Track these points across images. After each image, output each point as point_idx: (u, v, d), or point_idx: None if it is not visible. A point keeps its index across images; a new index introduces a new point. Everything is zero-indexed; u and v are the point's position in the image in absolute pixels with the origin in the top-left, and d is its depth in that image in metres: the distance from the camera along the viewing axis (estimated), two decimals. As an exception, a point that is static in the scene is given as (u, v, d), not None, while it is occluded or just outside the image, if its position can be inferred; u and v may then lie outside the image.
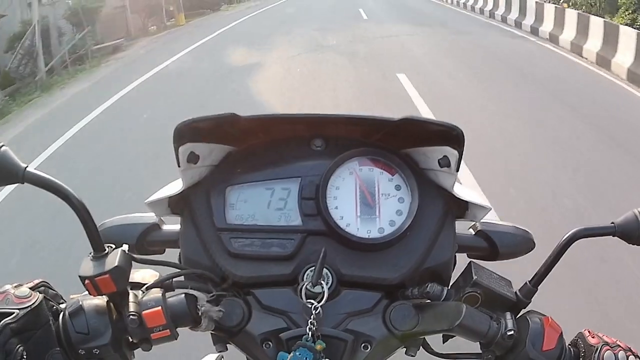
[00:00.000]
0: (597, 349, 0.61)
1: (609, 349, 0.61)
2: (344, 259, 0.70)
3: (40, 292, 0.61)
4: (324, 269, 0.68)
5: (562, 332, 0.64)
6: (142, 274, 0.70)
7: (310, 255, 0.69)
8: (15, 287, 0.60)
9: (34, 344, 0.57)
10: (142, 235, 0.80)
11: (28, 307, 0.57)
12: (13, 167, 0.61)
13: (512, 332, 0.62)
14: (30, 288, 0.61)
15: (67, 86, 10.14)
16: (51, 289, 0.65)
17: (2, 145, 0.62)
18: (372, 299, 0.69)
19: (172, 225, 0.81)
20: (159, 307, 0.62)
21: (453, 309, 0.65)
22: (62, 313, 0.61)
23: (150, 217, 0.81)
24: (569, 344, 0.65)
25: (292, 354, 0.64)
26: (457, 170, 0.70)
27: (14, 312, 0.56)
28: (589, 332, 0.64)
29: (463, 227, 0.82)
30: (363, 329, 0.67)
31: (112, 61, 12.31)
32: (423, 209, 0.71)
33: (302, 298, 0.66)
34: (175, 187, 0.74)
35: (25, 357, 0.55)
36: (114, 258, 0.61)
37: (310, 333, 0.64)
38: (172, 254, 0.79)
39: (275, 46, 11.63)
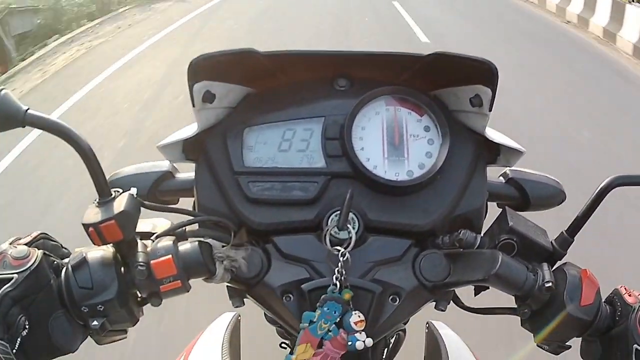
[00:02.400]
0: (634, 309, 0.58)
1: None
2: (371, 203, 0.66)
3: (38, 248, 0.56)
4: (351, 213, 0.63)
5: (599, 287, 0.60)
6: (153, 223, 0.65)
7: (335, 199, 0.65)
8: (12, 243, 0.55)
9: (35, 310, 0.53)
10: (154, 184, 0.75)
11: (27, 269, 0.53)
12: (14, 110, 0.56)
13: (550, 284, 0.59)
14: (27, 244, 0.56)
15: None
16: (52, 240, 0.61)
17: (2, 89, 0.57)
18: (401, 247, 0.65)
19: (187, 173, 0.76)
20: (170, 256, 0.57)
21: (488, 258, 0.61)
22: (64, 268, 0.56)
23: (163, 164, 0.77)
24: (605, 301, 0.61)
25: (319, 312, 0.59)
26: (490, 110, 0.66)
27: (12, 277, 0.52)
28: (625, 289, 0.61)
29: (493, 175, 0.77)
30: (392, 279, 0.63)
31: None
32: (454, 152, 0.67)
33: (326, 244, 0.61)
34: (190, 130, 0.70)
35: (27, 326, 0.51)
36: (121, 203, 0.56)
37: (338, 283, 0.60)
38: (186, 205, 0.74)
39: None
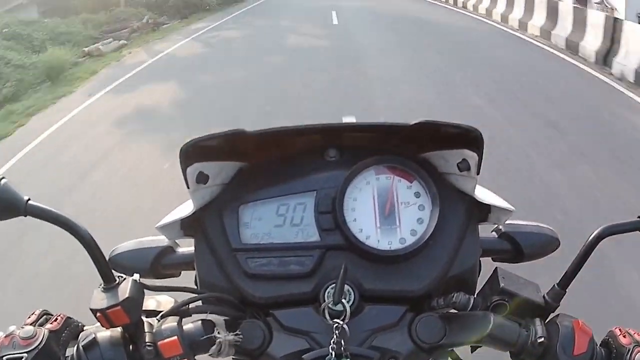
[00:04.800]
0: (629, 350, 0.59)
1: None
2: (366, 273, 0.67)
3: (42, 326, 0.59)
4: (346, 286, 0.65)
5: (592, 335, 0.62)
6: (157, 300, 0.68)
7: (331, 271, 0.67)
8: (19, 327, 0.58)
9: None
10: (156, 259, 0.77)
11: (35, 347, 0.55)
12: (14, 200, 0.60)
13: (542, 339, 0.61)
14: (32, 324, 0.59)
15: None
16: (50, 314, 0.63)
17: (2, 178, 0.60)
18: (397, 313, 0.66)
19: (187, 247, 0.78)
20: (175, 337, 0.60)
21: (481, 319, 0.64)
22: (75, 347, 0.59)
23: (162, 240, 0.79)
24: (600, 345, 0.63)
25: None
26: (477, 174, 0.68)
27: (22, 357, 0.54)
28: (619, 330, 0.63)
29: (485, 230, 0.79)
30: (389, 345, 0.64)
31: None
32: (444, 215, 0.68)
33: (325, 317, 0.63)
34: (187, 208, 0.72)
35: None
36: (125, 289, 0.59)
37: (333, 353, 0.61)
38: (188, 278, 0.77)
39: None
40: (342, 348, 0.62)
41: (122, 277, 0.61)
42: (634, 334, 0.61)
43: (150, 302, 0.67)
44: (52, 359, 0.56)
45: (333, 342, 0.62)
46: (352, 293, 0.66)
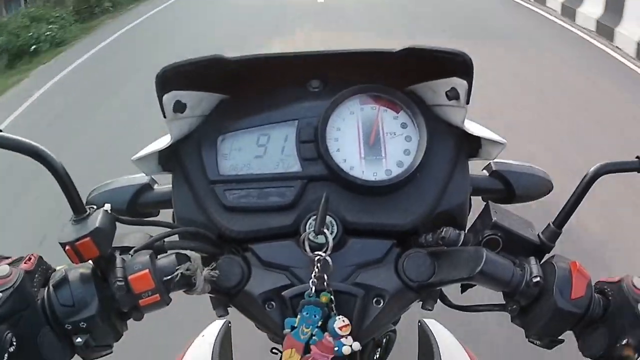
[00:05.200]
0: (622, 280, 0.58)
1: (635, 276, 0.58)
2: (350, 205, 0.64)
3: (18, 266, 0.56)
4: (328, 217, 0.62)
5: (590, 279, 0.59)
6: (133, 237, 0.65)
7: (313, 203, 0.64)
8: None
9: (23, 327, 0.52)
10: (133, 198, 0.75)
11: (10, 287, 0.52)
12: None
13: (538, 279, 0.58)
14: (10, 264, 0.56)
15: None
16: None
17: None
18: (383, 248, 0.63)
19: (165, 185, 0.76)
20: (147, 270, 0.57)
21: (472, 255, 0.60)
22: (46, 286, 0.56)
23: (141, 177, 0.76)
24: (595, 292, 0.60)
25: (299, 317, 0.58)
26: (467, 103, 0.64)
27: None
28: (606, 277, 0.61)
29: (476, 169, 0.76)
30: (374, 282, 0.61)
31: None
32: (433, 148, 0.66)
33: (305, 250, 0.60)
34: (164, 141, 0.69)
35: (15, 342, 0.51)
36: (95, 219, 0.56)
37: (313, 287, 0.59)
38: (166, 217, 0.73)
39: None
40: (325, 283, 0.59)
41: (93, 208, 0.58)
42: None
43: (126, 239, 0.64)
44: (26, 299, 0.53)
45: (314, 276, 0.59)
46: (335, 225, 0.63)
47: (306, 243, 0.61)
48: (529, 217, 0.66)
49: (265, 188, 0.65)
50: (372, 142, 0.66)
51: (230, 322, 0.96)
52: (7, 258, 0.58)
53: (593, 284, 0.61)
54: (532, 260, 0.60)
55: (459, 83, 0.64)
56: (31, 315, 0.53)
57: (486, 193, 0.77)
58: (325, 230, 0.60)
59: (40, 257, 0.59)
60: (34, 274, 0.56)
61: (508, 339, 1.83)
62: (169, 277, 0.58)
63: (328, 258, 0.59)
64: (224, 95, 0.70)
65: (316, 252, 0.60)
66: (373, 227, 0.64)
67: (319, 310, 0.58)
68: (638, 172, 0.62)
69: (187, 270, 0.59)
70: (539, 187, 0.79)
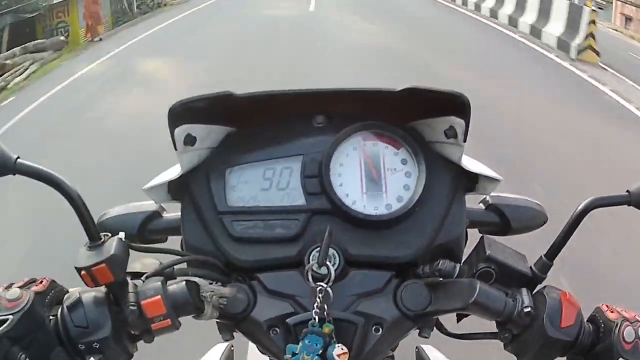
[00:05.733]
0: (616, 324, 0.60)
1: (629, 325, 0.59)
2: (351, 238, 0.67)
3: (28, 289, 0.58)
4: (331, 249, 0.65)
5: (580, 308, 0.62)
6: (143, 263, 0.67)
7: (316, 235, 0.67)
8: (5, 289, 0.58)
9: (36, 349, 0.55)
10: (143, 224, 0.77)
11: (21, 309, 0.55)
12: (3, 158, 0.60)
13: (529, 309, 0.61)
14: (20, 287, 0.59)
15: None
16: (35, 279, 0.62)
17: None
18: (382, 279, 0.66)
19: (174, 212, 0.78)
20: (159, 296, 0.60)
21: (466, 287, 0.63)
22: (60, 308, 0.59)
23: (150, 205, 0.79)
24: (587, 320, 0.63)
25: (300, 344, 0.61)
26: (465, 141, 0.67)
27: (7, 319, 0.54)
28: (607, 306, 0.63)
29: (473, 202, 0.79)
30: (374, 311, 0.64)
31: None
32: (431, 183, 0.68)
33: (308, 280, 0.63)
34: (174, 171, 0.71)
35: None
36: (110, 246, 0.60)
37: (316, 317, 0.61)
38: (174, 244, 0.76)
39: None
40: (325, 313, 0.62)
41: (107, 235, 0.61)
42: (621, 310, 0.61)
43: (137, 264, 0.67)
44: (37, 321, 0.56)
45: (316, 305, 0.62)
46: (337, 257, 0.66)
47: (309, 274, 0.63)
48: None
49: (271, 220, 0.68)
50: (374, 177, 0.69)
51: (232, 345, 0.98)
52: (19, 282, 0.60)
53: (592, 309, 0.63)
54: (524, 291, 0.63)
55: (457, 122, 0.67)
56: (43, 336, 0.56)
57: (483, 226, 0.80)
58: (328, 263, 0.63)
59: (53, 281, 0.62)
60: (46, 296, 0.59)
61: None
62: (180, 303, 0.61)
63: (329, 289, 0.62)
64: (231, 127, 0.73)
65: (318, 283, 0.62)
66: (374, 259, 0.67)
67: (320, 339, 0.61)
68: (628, 205, 0.65)
69: (197, 296, 0.62)
70: (534, 220, 0.81)
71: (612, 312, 0.61)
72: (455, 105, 0.66)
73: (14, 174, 0.60)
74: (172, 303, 0.60)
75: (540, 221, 0.82)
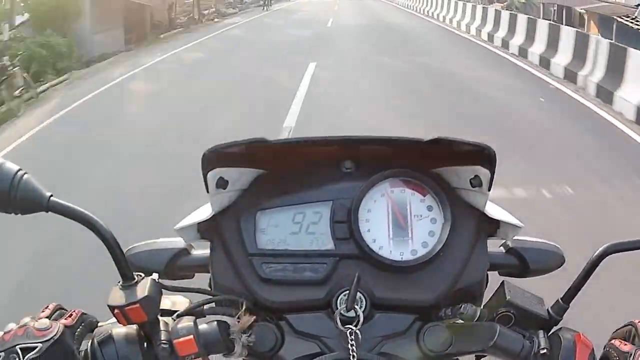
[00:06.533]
0: (631, 354, 0.61)
1: None
2: (377, 282, 0.69)
3: (57, 320, 0.60)
4: (358, 293, 0.67)
5: (593, 349, 0.64)
6: (173, 301, 0.69)
7: (343, 279, 0.69)
8: (33, 319, 0.59)
9: None
10: (171, 261, 0.79)
11: (51, 338, 0.56)
12: (37, 195, 0.61)
13: (544, 351, 0.63)
14: (48, 317, 0.60)
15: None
16: (64, 309, 0.64)
17: (25, 173, 0.61)
18: (406, 322, 0.68)
19: (202, 249, 0.80)
20: (191, 336, 0.61)
21: (487, 330, 0.66)
22: (90, 342, 0.61)
23: (178, 241, 0.80)
24: (601, 358, 0.65)
25: None
26: (489, 190, 0.70)
27: (37, 347, 0.55)
28: (619, 341, 0.64)
29: (493, 245, 0.81)
30: (398, 352, 0.66)
31: None
32: (455, 229, 0.70)
33: (337, 323, 0.65)
34: (205, 212, 0.73)
35: None
36: (144, 287, 0.61)
37: (351, 357, 0.63)
38: (201, 280, 0.78)
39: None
40: (354, 354, 0.63)
41: (140, 275, 0.63)
42: (634, 344, 0.63)
43: (166, 302, 0.69)
44: (66, 352, 0.57)
45: (351, 346, 0.63)
46: (364, 300, 0.68)
47: (338, 317, 0.65)
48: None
49: (300, 263, 0.70)
50: (401, 223, 0.71)
51: None
52: (45, 310, 0.62)
53: (605, 342, 0.65)
54: (541, 333, 0.66)
55: (482, 172, 0.69)
56: None
57: (503, 269, 0.82)
58: (356, 306, 0.65)
59: (83, 313, 0.63)
60: (75, 329, 0.60)
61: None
62: (211, 342, 0.63)
63: (358, 332, 0.64)
64: (262, 170, 0.75)
65: (347, 326, 0.64)
66: (398, 302, 0.69)
67: None
68: None
69: (227, 336, 0.64)
70: (552, 262, 0.82)
71: (625, 345, 0.63)
72: (481, 155, 0.68)
73: (47, 212, 0.62)
74: (204, 342, 0.62)
75: (558, 263, 0.83)
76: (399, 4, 32.51)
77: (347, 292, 0.66)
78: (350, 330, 0.64)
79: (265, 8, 28.94)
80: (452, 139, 0.69)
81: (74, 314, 0.62)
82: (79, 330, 0.61)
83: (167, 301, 0.69)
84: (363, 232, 0.70)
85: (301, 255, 0.70)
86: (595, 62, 9.18)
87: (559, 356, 0.62)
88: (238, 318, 0.67)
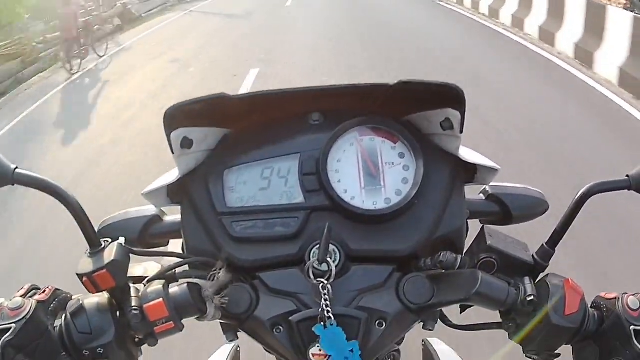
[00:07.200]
0: (619, 298, 0.60)
1: (631, 295, 0.60)
2: (351, 234, 0.67)
3: (32, 297, 0.59)
4: (331, 246, 0.65)
5: (583, 294, 0.62)
6: (144, 267, 0.68)
7: (316, 232, 0.67)
8: (7, 299, 0.58)
9: (40, 355, 0.56)
10: (143, 229, 0.78)
11: (23, 317, 0.56)
12: (1, 169, 0.60)
13: (532, 297, 0.61)
14: (22, 296, 0.59)
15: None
16: (38, 288, 0.63)
17: None
18: (384, 273, 0.66)
19: (174, 215, 0.79)
20: (160, 299, 0.60)
21: (469, 277, 0.63)
22: (63, 315, 0.60)
23: (150, 209, 0.79)
24: (590, 307, 0.63)
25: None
26: (461, 132, 0.67)
27: (11, 327, 0.55)
28: (605, 293, 0.63)
29: (473, 193, 0.79)
30: (376, 305, 0.64)
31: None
32: (429, 176, 0.68)
33: (310, 277, 0.63)
34: (172, 175, 0.72)
35: None
36: (111, 252, 0.60)
37: (326, 312, 0.61)
38: (175, 247, 0.77)
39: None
40: (327, 309, 0.61)
41: (107, 241, 0.62)
42: (620, 292, 0.62)
43: (137, 269, 0.68)
44: (40, 328, 0.57)
45: (325, 301, 0.61)
46: (338, 253, 0.66)
47: (310, 271, 0.63)
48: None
49: (270, 219, 0.68)
50: (372, 172, 0.69)
51: (239, 346, 0.98)
52: (20, 289, 0.61)
53: (592, 298, 0.63)
54: (527, 280, 0.63)
55: (453, 114, 0.67)
56: (47, 343, 0.57)
57: (483, 216, 0.80)
58: (328, 259, 0.63)
59: (56, 289, 0.62)
60: (49, 304, 0.60)
61: (508, 353, 1.86)
62: (182, 305, 0.61)
63: (329, 285, 0.62)
64: (227, 129, 0.74)
65: (319, 279, 0.62)
66: (374, 253, 0.67)
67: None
68: (628, 190, 0.65)
69: (199, 298, 0.62)
70: (535, 208, 0.81)
71: (611, 294, 0.62)
72: (449, 97, 0.66)
73: (13, 184, 0.61)
74: (175, 305, 0.61)
75: (541, 209, 0.82)
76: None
77: (320, 245, 0.64)
78: (322, 284, 0.62)
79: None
80: (418, 81, 0.66)
81: (47, 290, 0.62)
82: (52, 305, 0.60)
83: (140, 268, 0.68)
84: (333, 182, 0.68)
85: (271, 211, 0.69)
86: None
87: (548, 302, 0.60)
88: (210, 279, 0.65)
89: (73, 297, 0.63)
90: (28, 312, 0.56)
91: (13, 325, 0.55)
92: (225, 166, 0.71)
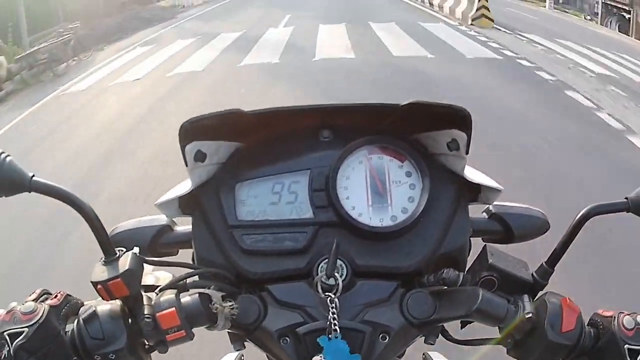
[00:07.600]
0: (614, 317, 0.62)
1: (626, 315, 0.62)
2: (358, 249, 0.69)
3: (44, 302, 0.60)
4: (338, 261, 0.67)
5: (580, 312, 0.63)
6: (156, 276, 0.70)
7: (324, 247, 0.69)
8: (20, 303, 0.59)
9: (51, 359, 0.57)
10: (154, 238, 0.79)
11: (36, 322, 0.57)
12: (19, 176, 0.61)
13: (530, 315, 0.62)
14: (34, 300, 0.60)
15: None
16: (50, 293, 0.64)
17: (7, 156, 0.62)
18: (388, 288, 0.68)
19: (185, 226, 0.80)
20: (173, 308, 0.61)
21: (470, 294, 0.65)
22: (76, 320, 0.61)
23: (161, 219, 0.80)
24: (587, 324, 0.64)
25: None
26: (467, 153, 0.69)
27: (23, 331, 0.56)
28: (602, 310, 0.64)
29: (476, 211, 0.81)
30: (380, 319, 0.66)
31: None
32: (435, 195, 0.70)
33: (317, 291, 0.65)
34: (185, 187, 0.73)
35: None
36: (125, 261, 0.61)
37: (333, 324, 0.63)
38: (186, 256, 0.78)
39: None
40: (334, 322, 0.63)
41: (122, 250, 0.63)
42: (617, 310, 0.63)
43: (149, 277, 0.69)
44: (52, 333, 0.58)
45: (332, 314, 0.63)
46: (345, 268, 0.68)
47: (318, 285, 0.65)
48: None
49: (280, 233, 0.70)
50: (379, 190, 0.71)
51: (243, 355, 0.99)
52: (32, 294, 0.62)
53: (590, 315, 0.65)
54: (526, 297, 0.65)
55: (459, 135, 0.69)
56: (59, 348, 0.58)
57: (486, 234, 0.81)
58: (336, 274, 0.65)
59: (68, 294, 0.63)
60: (61, 309, 0.61)
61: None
62: (193, 314, 0.63)
63: (337, 299, 0.64)
64: (239, 143, 0.75)
65: (327, 294, 0.64)
66: (380, 269, 0.69)
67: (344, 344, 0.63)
68: (627, 212, 0.67)
69: (209, 308, 0.64)
70: (536, 228, 0.83)
71: (608, 312, 0.63)
72: (456, 118, 0.68)
73: (30, 192, 0.62)
74: (186, 315, 0.62)
75: (542, 229, 0.83)
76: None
77: (328, 259, 0.66)
78: (330, 297, 0.64)
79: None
80: (426, 103, 0.68)
81: (59, 295, 0.63)
82: (64, 310, 0.61)
83: (152, 277, 0.69)
84: (342, 199, 0.70)
85: (281, 225, 0.70)
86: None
87: (545, 321, 0.62)
88: (220, 290, 0.67)
89: (85, 304, 0.64)
90: (41, 317, 0.57)
91: (25, 329, 0.56)
92: (237, 180, 0.72)
